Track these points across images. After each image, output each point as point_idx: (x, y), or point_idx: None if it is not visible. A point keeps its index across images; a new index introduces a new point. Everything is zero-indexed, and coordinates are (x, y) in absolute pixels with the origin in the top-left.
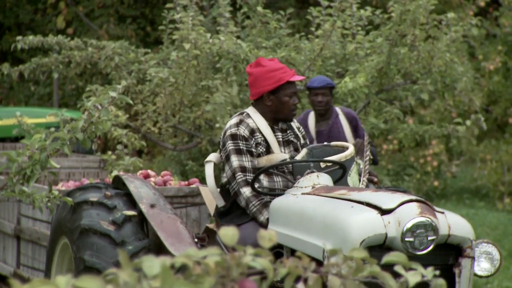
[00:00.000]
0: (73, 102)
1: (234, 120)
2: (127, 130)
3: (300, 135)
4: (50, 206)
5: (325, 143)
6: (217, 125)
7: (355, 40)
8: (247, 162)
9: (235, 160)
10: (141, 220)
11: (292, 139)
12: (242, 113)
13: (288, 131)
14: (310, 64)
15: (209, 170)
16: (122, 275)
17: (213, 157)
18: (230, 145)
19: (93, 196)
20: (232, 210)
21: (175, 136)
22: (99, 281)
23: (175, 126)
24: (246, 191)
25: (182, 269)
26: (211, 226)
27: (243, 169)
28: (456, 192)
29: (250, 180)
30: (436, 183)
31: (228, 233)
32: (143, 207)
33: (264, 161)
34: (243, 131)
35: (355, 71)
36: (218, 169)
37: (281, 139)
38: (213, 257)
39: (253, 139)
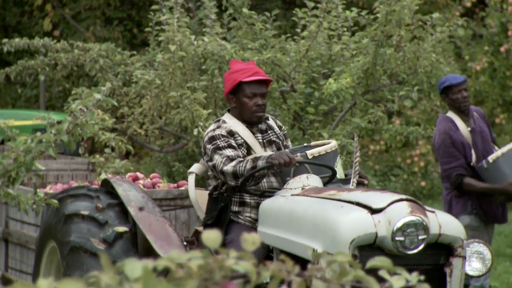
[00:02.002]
0: (60, 104)
1: (211, 126)
2: (115, 134)
3: (282, 135)
4: (36, 208)
5: (305, 144)
6: (195, 130)
7: (341, 41)
8: (229, 152)
9: (217, 158)
10: (133, 235)
11: (274, 139)
12: (218, 120)
13: (269, 131)
14: (296, 65)
15: (190, 181)
16: (104, 278)
17: (195, 168)
18: (209, 147)
19: (85, 209)
20: (220, 222)
21: (161, 138)
22: (81, 284)
23: (161, 128)
24: (229, 166)
25: (165, 273)
26: (200, 229)
27: (228, 157)
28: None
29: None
30: (423, 184)
31: (211, 236)
32: (132, 210)
33: (250, 161)
34: (221, 131)
35: (341, 72)
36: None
37: (261, 140)
38: (196, 260)
39: (232, 139)
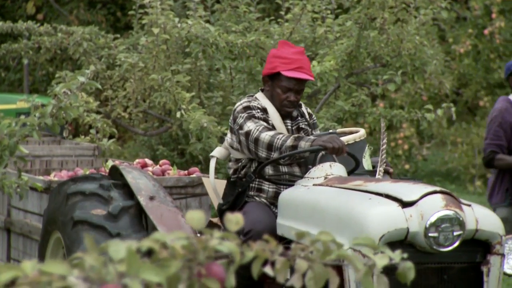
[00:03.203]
0: (43, 88)
1: (244, 99)
2: (100, 116)
3: (311, 123)
4: (20, 192)
5: (330, 130)
6: (178, 113)
7: (324, 24)
8: (265, 124)
9: (252, 125)
10: (139, 210)
11: (303, 126)
12: (251, 95)
13: (299, 118)
14: None
15: (212, 165)
16: (88, 259)
17: (217, 152)
18: (243, 115)
19: (88, 188)
20: (235, 206)
21: (145, 121)
22: (65, 265)
23: (145, 111)
24: (266, 134)
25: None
26: (215, 220)
27: (262, 126)
28: (427, 175)
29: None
30: (407, 166)
31: (195, 216)
32: (142, 200)
33: None
34: (257, 104)
35: (324, 54)
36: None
37: (290, 126)
38: (180, 241)
39: (266, 115)
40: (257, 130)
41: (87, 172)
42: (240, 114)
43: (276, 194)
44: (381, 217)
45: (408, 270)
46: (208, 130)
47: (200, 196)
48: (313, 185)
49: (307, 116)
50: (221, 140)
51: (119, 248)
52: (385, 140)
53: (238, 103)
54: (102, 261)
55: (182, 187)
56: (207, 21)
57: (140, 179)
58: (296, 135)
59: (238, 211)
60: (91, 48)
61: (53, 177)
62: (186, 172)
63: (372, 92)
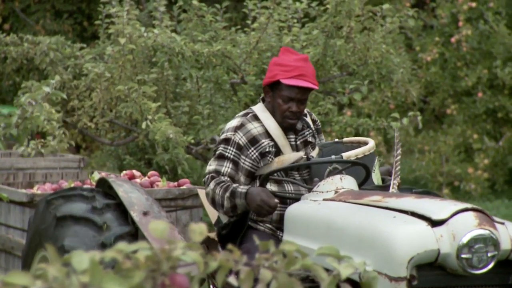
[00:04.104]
0: (10, 98)
1: (234, 122)
2: (59, 124)
3: (314, 132)
4: None
5: (336, 139)
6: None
7: (291, 33)
8: (226, 168)
9: (212, 164)
10: (135, 237)
11: (310, 139)
12: (246, 114)
13: (304, 130)
14: (246, 57)
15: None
16: (51, 270)
17: None
18: (216, 149)
19: (79, 210)
20: (236, 230)
21: (112, 131)
22: (28, 276)
23: (111, 121)
24: (211, 184)
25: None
26: (212, 235)
27: (217, 172)
28: None
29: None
30: None
31: (159, 226)
32: (135, 215)
33: (274, 164)
34: (240, 138)
35: None
36: None
37: (294, 141)
38: (143, 251)
39: (253, 149)
40: (208, 177)
41: (72, 185)
42: (219, 144)
43: (282, 217)
44: (409, 237)
45: (373, 279)
46: (174, 141)
47: (190, 209)
48: (324, 199)
49: (312, 125)
50: (187, 150)
51: (82, 259)
52: (399, 151)
53: (227, 127)
54: (65, 272)
55: (172, 199)
56: (174, 31)
57: (132, 192)
58: (230, 191)
59: (239, 242)
60: (58, 58)
61: (37, 190)
62: (175, 183)
63: (339, 100)
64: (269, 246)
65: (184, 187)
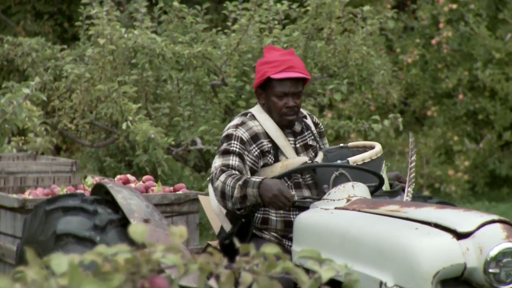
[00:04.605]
0: None
1: (235, 121)
2: (41, 121)
3: (317, 133)
4: None
5: (341, 144)
6: (124, 125)
7: (272, 34)
8: (233, 161)
9: (218, 161)
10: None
11: (310, 142)
12: (245, 114)
13: (305, 133)
14: (227, 58)
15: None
16: (29, 273)
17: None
18: (220, 147)
19: (80, 228)
20: (240, 239)
21: (92, 133)
22: (7, 280)
23: (92, 122)
24: (221, 177)
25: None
26: (214, 243)
27: (226, 166)
28: None
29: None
30: None
31: (138, 229)
32: (135, 223)
33: (278, 168)
34: (242, 133)
35: None
36: None
37: (293, 144)
38: (123, 254)
39: (255, 146)
40: (216, 172)
41: (64, 190)
42: (221, 143)
43: (286, 224)
44: (434, 250)
45: (354, 282)
46: (155, 141)
47: (187, 215)
48: (336, 208)
49: (313, 128)
50: (168, 151)
51: (61, 261)
52: (413, 157)
53: (227, 127)
54: (44, 274)
55: (168, 205)
56: (154, 32)
57: (132, 199)
58: (242, 180)
59: None
60: (39, 59)
61: (28, 195)
62: (171, 188)
63: (319, 102)
64: (249, 249)
65: (180, 192)
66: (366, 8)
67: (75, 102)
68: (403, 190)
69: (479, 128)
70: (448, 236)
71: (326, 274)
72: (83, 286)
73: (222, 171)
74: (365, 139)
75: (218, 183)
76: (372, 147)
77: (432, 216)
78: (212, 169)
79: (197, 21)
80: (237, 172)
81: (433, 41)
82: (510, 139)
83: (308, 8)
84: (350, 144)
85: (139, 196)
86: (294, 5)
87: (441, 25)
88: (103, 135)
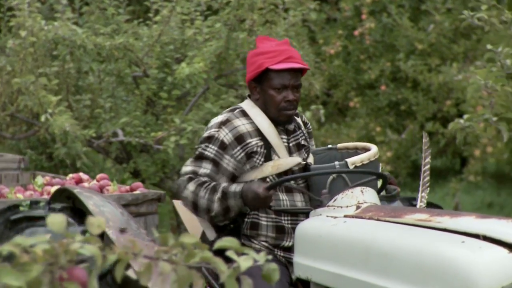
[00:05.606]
0: None
1: (220, 117)
2: None
3: (306, 135)
4: None
5: (329, 146)
6: (43, 117)
7: (193, 26)
8: (204, 169)
9: (189, 165)
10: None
11: (303, 142)
12: (233, 109)
13: (297, 132)
14: (149, 50)
15: None
16: None
17: None
18: (199, 148)
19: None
20: (224, 250)
21: (13, 125)
22: None
23: (13, 115)
24: (190, 186)
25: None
26: None
27: (194, 173)
28: None
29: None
30: None
31: (56, 220)
32: (111, 233)
33: (269, 167)
34: (225, 135)
35: (194, 56)
36: None
37: (286, 143)
38: (41, 245)
39: (239, 149)
40: (184, 180)
41: (13, 192)
42: (200, 143)
43: (278, 230)
44: (491, 267)
45: (273, 271)
46: (72, 134)
47: (145, 216)
48: (345, 216)
49: (303, 128)
50: (89, 143)
51: None
52: (428, 159)
53: (212, 123)
54: None
55: (124, 205)
56: (75, 23)
57: (104, 206)
58: (220, 192)
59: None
60: None
61: None
62: (128, 188)
63: (241, 93)
64: (168, 239)
65: (137, 192)
66: None
67: None
68: (399, 194)
69: (402, 119)
70: (504, 251)
71: (244, 263)
72: (1, 277)
73: (190, 179)
74: None
75: (187, 193)
76: (364, 148)
77: (477, 227)
78: (182, 171)
79: (119, 12)
80: (206, 179)
81: (356, 32)
82: (432, 129)
83: None
84: (339, 145)
85: (112, 203)
86: None
87: (363, 16)
88: (24, 128)
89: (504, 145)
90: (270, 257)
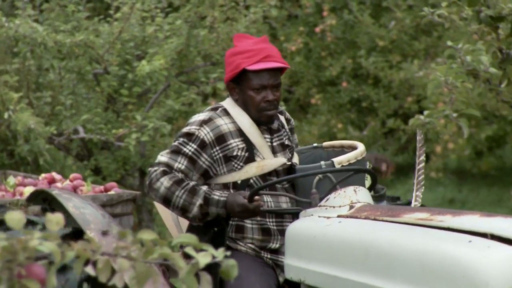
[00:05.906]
0: None
1: (202, 115)
2: None
3: (289, 133)
4: None
5: (315, 144)
6: (5, 114)
7: (154, 23)
8: (180, 164)
9: (165, 156)
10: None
11: (287, 142)
12: (216, 108)
13: (281, 131)
14: (109, 47)
15: None
16: None
17: None
18: (177, 141)
19: None
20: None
21: None
22: None
23: None
24: (164, 180)
25: None
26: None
27: (169, 166)
28: None
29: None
30: None
31: (14, 217)
32: (93, 236)
33: (253, 168)
34: (205, 134)
35: (154, 53)
36: None
37: (270, 143)
38: None
39: (218, 149)
40: (157, 172)
41: None
42: (179, 137)
43: (264, 232)
44: (502, 267)
45: (232, 267)
46: (35, 131)
47: (120, 217)
48: (339, 216)
49: (286, 127)
50: (50, 141)
51: None
52: (422, 157)
53: (192, 120)
54: None
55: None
56: (36, 21)
57: (85, 208)
58: (202, 197)
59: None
60: None
61: None
62: (102, 188)
63: (203, 90)
64: (126, 235)
65: (112, 192)
66: None
67: None
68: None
69: (363, 116)
70: None
71: (203, 259)
72: None
73: (165, 173)
74: None
75: (160, 186)
76: (351, 147)
77: (483, 226)
78: (156, 161)
79: (79, 9)
80: (182, 177)
81: (317, 29)
82: (393, 126)
83: None
84: (324, 144)
85: (92, 204)
86: None
87: (325, 13)
88: None
89: (465, 141)
90: (229, 253)
